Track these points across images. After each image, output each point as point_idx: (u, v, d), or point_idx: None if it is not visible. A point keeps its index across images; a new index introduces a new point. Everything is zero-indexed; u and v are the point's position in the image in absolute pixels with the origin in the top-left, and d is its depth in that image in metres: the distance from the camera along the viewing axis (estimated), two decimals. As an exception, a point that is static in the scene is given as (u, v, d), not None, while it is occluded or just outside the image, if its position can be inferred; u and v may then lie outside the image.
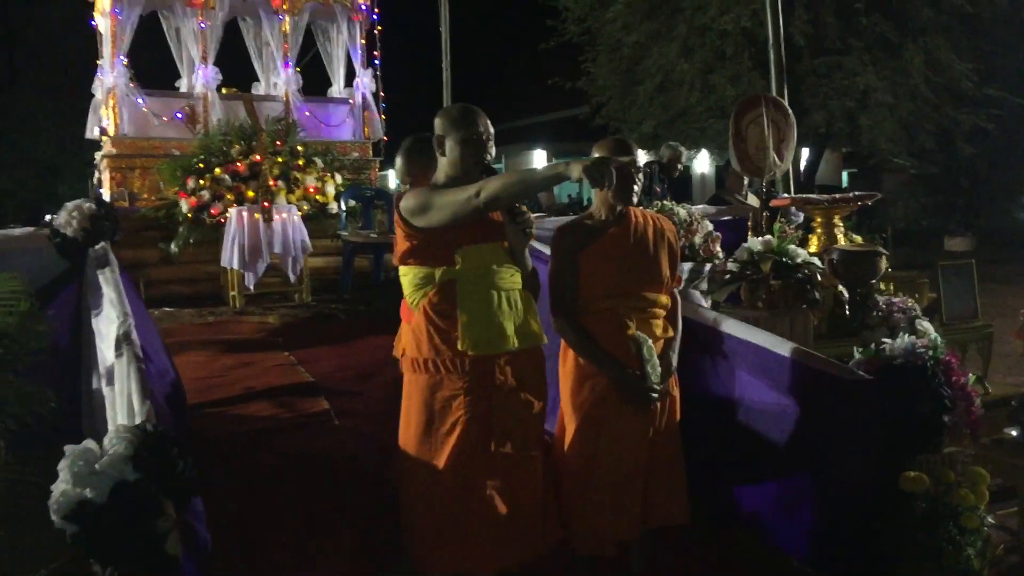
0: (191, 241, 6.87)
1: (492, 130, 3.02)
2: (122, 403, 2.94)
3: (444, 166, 3.04)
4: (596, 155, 3.22)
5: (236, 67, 8.68)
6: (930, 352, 3.30)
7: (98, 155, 8.14)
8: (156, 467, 2.29)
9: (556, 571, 3.32)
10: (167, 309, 6.85)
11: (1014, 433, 4.10)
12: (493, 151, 3.04)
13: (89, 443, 2.35)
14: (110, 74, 7.57)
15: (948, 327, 4.87)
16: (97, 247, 4.67)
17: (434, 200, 2.86)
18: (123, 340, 3.32)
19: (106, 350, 3.63)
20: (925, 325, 4.34)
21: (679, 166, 8.78)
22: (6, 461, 2.49)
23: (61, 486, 2.26)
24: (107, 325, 3.75)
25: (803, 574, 3.49)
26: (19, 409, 2.58)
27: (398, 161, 3.56)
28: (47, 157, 24.10)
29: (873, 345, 3.42)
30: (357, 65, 8.85)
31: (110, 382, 3.32)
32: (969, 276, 5.18)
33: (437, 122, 3.05)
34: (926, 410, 3.13)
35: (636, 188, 3.22)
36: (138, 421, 2.59)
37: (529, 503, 2.97)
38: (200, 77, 7.96)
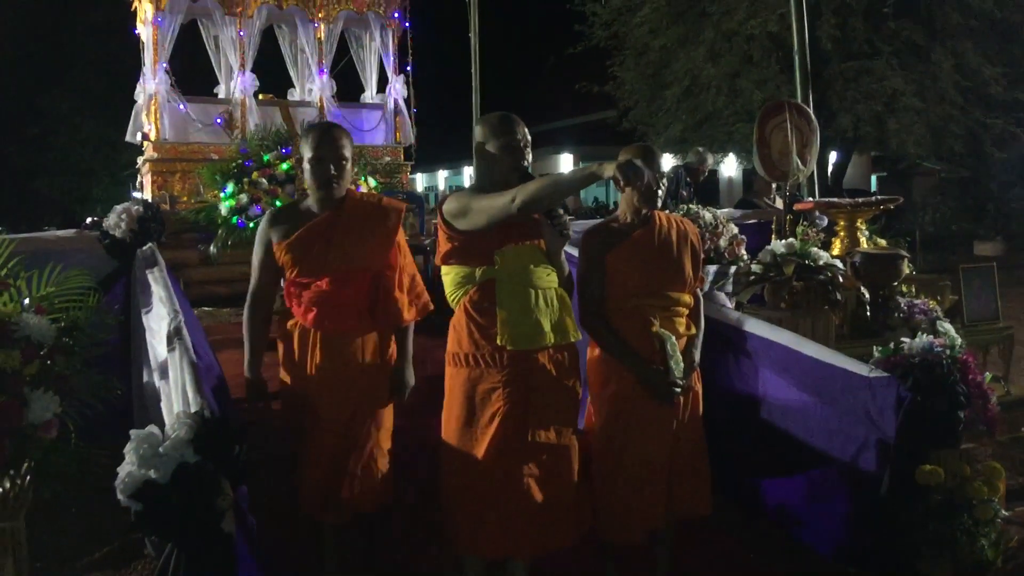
0: (229, 243, 7.05)
1: (529, 137, 3.17)
2: (177, 394, 3.11)
3: (483, 171, 3.20)
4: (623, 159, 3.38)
5: (272, 74, 8.90)
6: (947, 351, 3.40)
7: (140, 159, 8.39)
8: (215, 450, 2.47)
9: (586, 560, 3.48)
10: (206, 309, 7.06)
11: (1032, 431, 4.20)
12: (530, 157, 3.18)
13: (152, 428, 2.53)
14: (152, 81, 7.81)
15: (969, 329, 4.95)
16: (145, 248, 4.88)
17: (473, 204, 3.02)
18: (175, 335, 3.50)
19: (158, 345, 3.81)
20: (946, 327, 4.43)
21: (705, 171, 8.91)
22: (77, 445, 2.67)
23: (127, 467, 2.44)
24: (158, 322, 3.94)
25: (827, 567, 3.61)
26: (90, 397, 2.76)
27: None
28: (82, 161, 24.50)
29: (892, 344, 3.53)
30: (389, 71, 9.04)
31: (164, 375, 3.50)
32: (991, 279, 5.26)
33: (477, 130, 3.21)
34: (942, 406, 3.22)
35: (660, 193, 3.37)
36: (194, 410, 2.77)
37: (564, 492, 3.12)
38: (238, 84, 8.18)
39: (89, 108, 22.92)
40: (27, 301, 2.69)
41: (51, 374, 2.58)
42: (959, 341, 3.61)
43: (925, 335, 3.51)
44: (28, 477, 2.61)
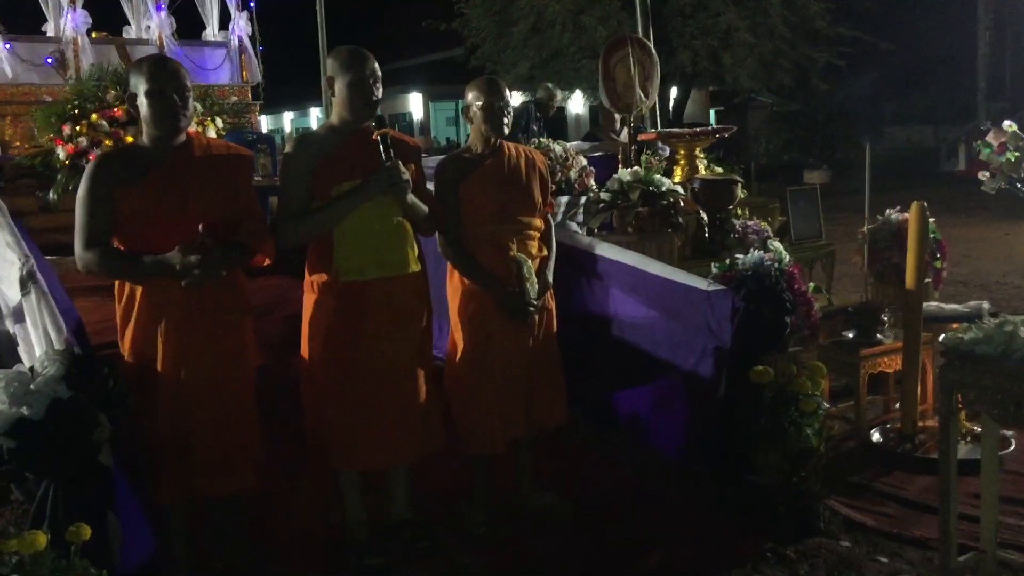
0: (70, 188, 6.77)
1: (380, 73, 3.24)
2: (38, 336, 3.08)
3: (336, 106, 3.26)
4: (469, 95, 3.53)
5: (106, 10, 8.47)
6: (776, 264, 3.74)
7: (-35, 103, 7.89)
8: (88, 385, 2.50)
9: (453, 470, 3.69)
10: (50, 258, 6.78)
11: (851, 335, 4.65)
12: (380, 92, 3.25)
13: (21, 367, 2.53)
14: (-27, 19, 7.34)
15: (796, 246, 5.36)
16: (-17, 194, 4.69)
17: (282, 179, 3.26)
18: (28, 279, 3.44)
19: (8, 291, 3.72)
20: (775, 244, 4.79)
21: (555, 106, 9.16)
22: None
23: (-3, 407, 2.44)
24: (6, 268, 3.83)
25: (671, 466, 3.95)
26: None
27: None
28: None
29: (728, 260, 3.85)
30: (232, 7, 8.77)
31: (19, 320, 3.44)
32: (814, 200, 5.70)
33: (328, 63, 3.28)
34: (771, 313, 3.56)
35: (506, 121, 3.52)
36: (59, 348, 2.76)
37: (406, 411, 3.27)
38: (69, 21, 7.76)
39: None
40: None
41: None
42: (786, 256, 3.96)
43: (757, 251, 3.84)
44: None
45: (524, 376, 3.53)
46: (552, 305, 3.65)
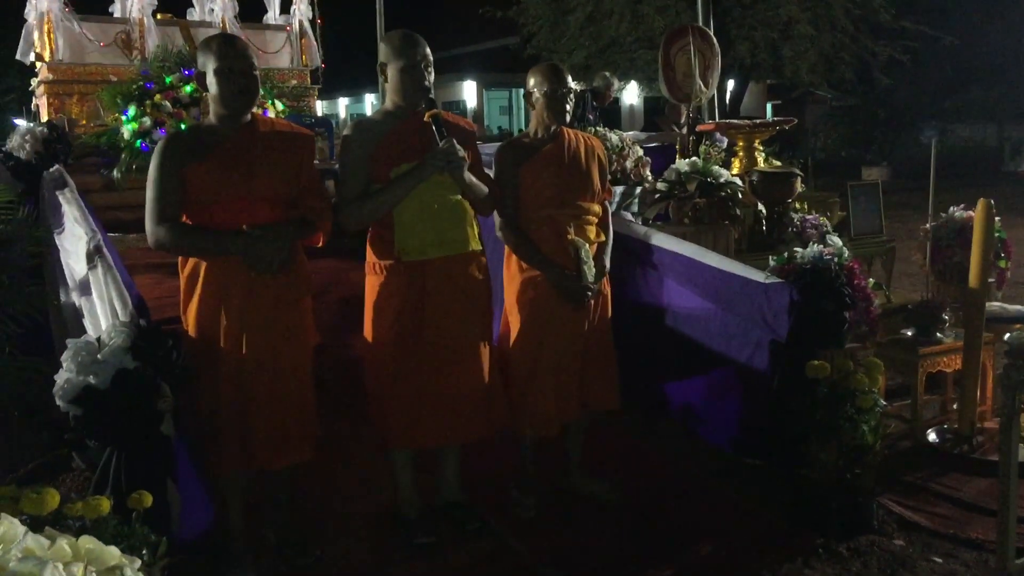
0: (134, 167, 6.92)
1: (431, 57, 3.24)
2: (104, 309, 3.14)
3: (389, 92, 3.29)
4: (531, 81, 3.52)
5: (170, -7, 8.62)
6: (835, 259, 3.69)
7: (34, 81, 8.07)
8: (153, 356, 2.55)
9: (504, 454, 3.71)
10: (112, 235, 6.93)
11: (909, 333, 4.57)
12: (432, 77, 3.25)
13: (89, 337, 2.60)
14: (44, -1, 7.50)
15: (856, 242, 5.29)
16: (52, 169, 4.82)
17: (341, 164, 3.25)
18: (95, 253, 3.51)
19: (75, 265, 3.80)
20: (834, 239, 4.74)
21: (611, 95, 9.10)
22: (13, 356, 2.70)
23: (65, 375, 2.51)
24: (73, 242, 3.92)
25: (723, 458, 3.93)
26: (26, 308, 2.78)
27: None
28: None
29: (786, 254, 3.80)
30: (293, -8, 8.88)
31: (84, 293, 3.52)
32: (875, 195, 5.61)
33: (380, 48, 3.30)
34: (830, 307, 3.52)
35: (568, 108, 3.52)
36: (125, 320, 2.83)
37: (470, 389, 3.30)
38: (135, 2, 7.90)
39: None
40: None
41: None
42: (846, 251, 3.90)
43: (816, 245, 3.79)
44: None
45: (578, 360, 3.53)
46: (608, 290, 3.65)
